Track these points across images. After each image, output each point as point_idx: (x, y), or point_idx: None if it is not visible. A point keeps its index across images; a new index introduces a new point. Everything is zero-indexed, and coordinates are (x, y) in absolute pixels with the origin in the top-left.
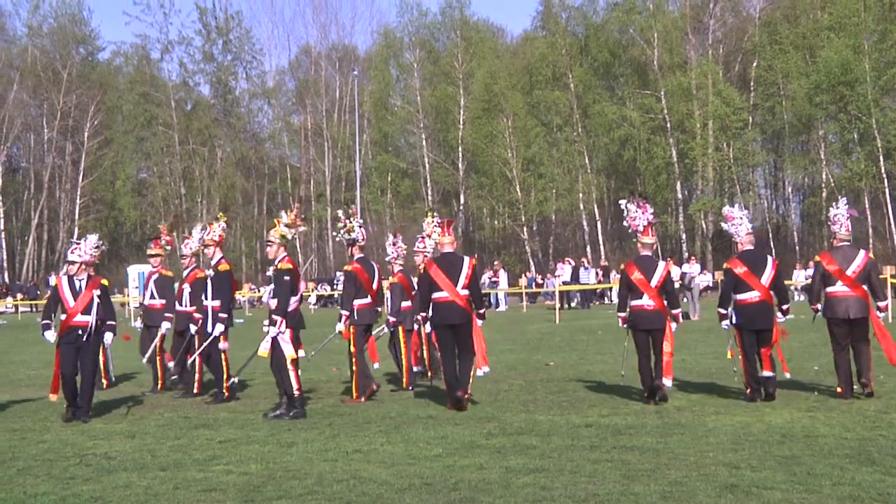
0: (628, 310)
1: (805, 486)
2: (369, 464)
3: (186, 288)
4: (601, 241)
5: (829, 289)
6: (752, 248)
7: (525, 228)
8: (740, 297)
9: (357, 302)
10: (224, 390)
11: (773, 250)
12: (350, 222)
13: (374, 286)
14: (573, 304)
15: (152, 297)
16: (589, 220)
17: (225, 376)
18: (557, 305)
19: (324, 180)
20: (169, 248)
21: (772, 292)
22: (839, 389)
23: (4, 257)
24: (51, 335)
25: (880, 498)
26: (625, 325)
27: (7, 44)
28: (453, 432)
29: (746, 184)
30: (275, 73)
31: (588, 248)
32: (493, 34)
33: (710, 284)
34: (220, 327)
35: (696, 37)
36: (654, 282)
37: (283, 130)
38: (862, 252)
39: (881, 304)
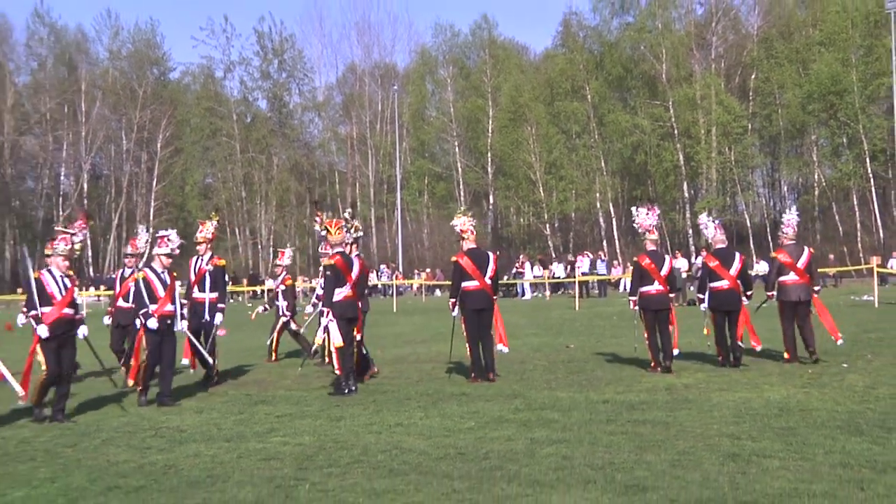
0: (639, 294)
1: (800, 455)
2: (409, 436)
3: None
4: (616, 236)
5: (783, 278)
6: (723, 246)
7: (547, 225)
8: (713, 284)
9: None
10: (215, 374)
11: (771, 244)
12: (355, 222)
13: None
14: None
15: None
16: (605, 217)
17: (214, 361)
18: (577, 294)
19: (367, 183)
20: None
21: (739, 281)
22: (787, 355)
23: (90, 254)
24: (153, 322)
25: (868, 464)
26: (636, 308)
27: (91, 66)
28: (484, 408)
29: (746, 183)
30: (324, 88)
31: (604, 243)
32: (517, 52)
33: None
34: (219, 316)
35: (700, 52)
36: (664, 271)
37: (331, 139)
38: (806, 249)
39: (817, 288)
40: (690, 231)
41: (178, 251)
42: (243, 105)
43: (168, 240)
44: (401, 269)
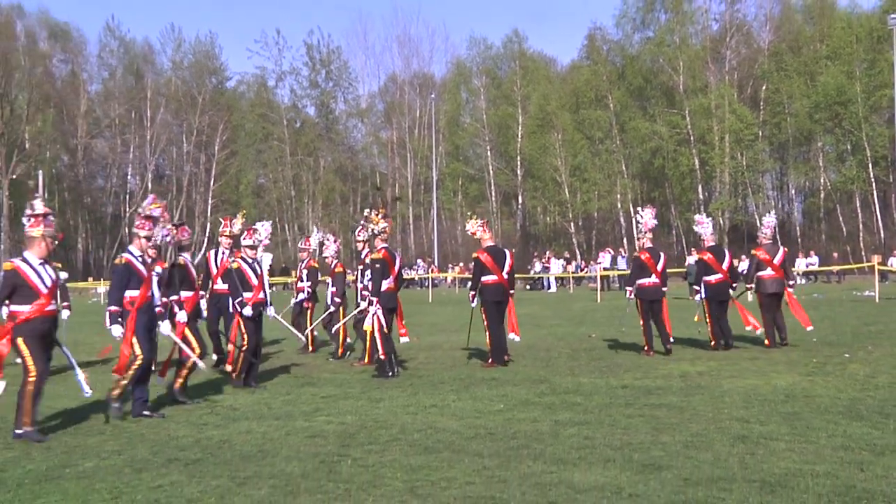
0: (637, 286)
1: (804, 438)
2: (443, 416)
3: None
4: (635, 235)
5: (761, 273)
6: (714, 244)
7: (572, 224)
8: (708, 277)
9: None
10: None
11: (779, 241)
12: (377, 217)
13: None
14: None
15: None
16: (625, 217)
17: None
18: (599, 287)
19: (406, 184)
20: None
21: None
22: (766, 342)
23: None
24: (248, 310)
25: (867, 447)
26: (632, 297)
27: (156, 75)
28: (512, 391)
29: (757, 186)
30: (367, 96)
31: (624, 240)
32: (546, 63)
33: None
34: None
35: (715, 65)
36: (660, 266)
37: (373, 144)
38: (781, 248)
39: (791, 282)
40: None
41: (267, 241)
42: (293, 111)
43: (254, 231)
44: (436, 263)
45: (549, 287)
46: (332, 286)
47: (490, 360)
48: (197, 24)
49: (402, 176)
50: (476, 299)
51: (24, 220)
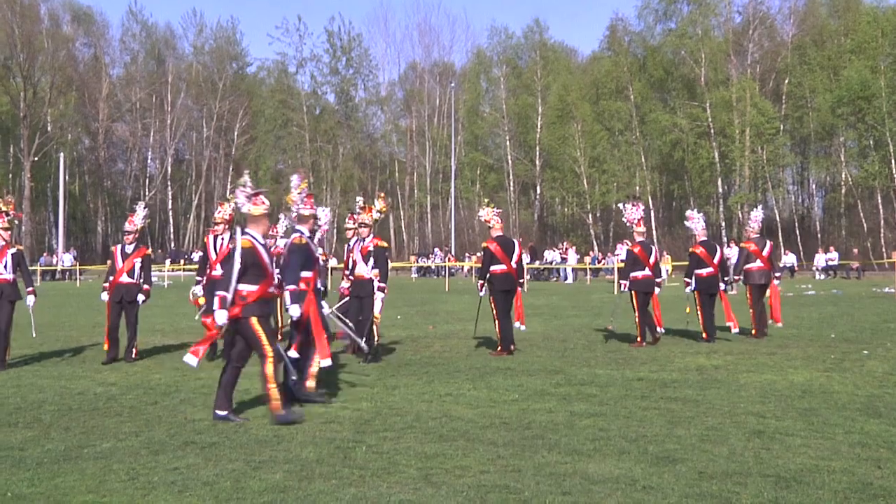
0: (630, 278)
1: (821, 434)
2: (458, 405)
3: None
4: (654, 227)
5: (750, 265)
6: (705, 238)
7: (590, 215)
8: (699, 271)
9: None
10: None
11: (798, 237)
12: (374, 205)
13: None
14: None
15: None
16: (644, 209)
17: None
18: (616, 279)
19: (425, 173)
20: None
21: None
22: (754, 332)
23: (172, 231)
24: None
25: (885, 445)
26: (625, 289)
27: (177, 60)
28: (527, 381)
29: (777, 181)
30: (387, 84)
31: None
32: (566, 54)
33: None
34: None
35: (737, 58)
36: (652, 259)
37: (392, 132)
38: (768, 242)
39: (777, 274)
40: (724, 223)
41: (326, 227)
42: (313, 98)
43: (315, 218)
44: (453, 251)
45: (566, 278)
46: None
47: (499, 349)
48: (218, 10)
49: (421, 164)
50: (484, 289)
51: (243, 198)
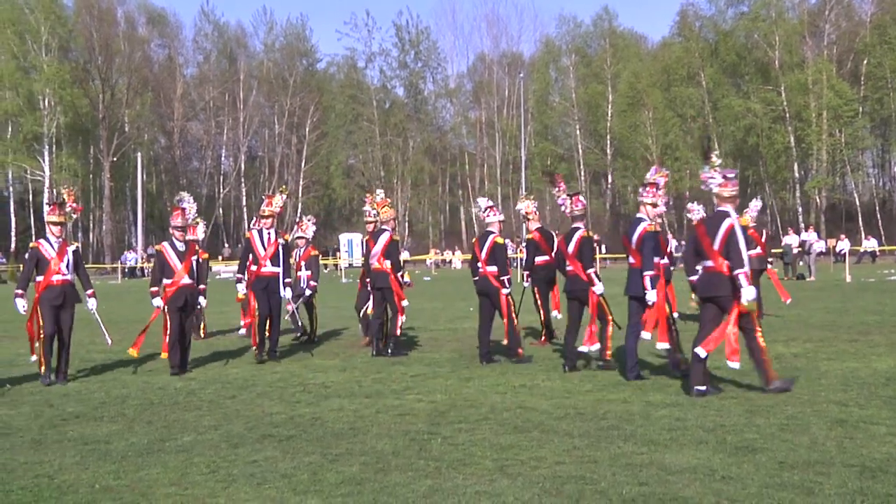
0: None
1: None
2: (532, 396)
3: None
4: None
5: (750, 251)
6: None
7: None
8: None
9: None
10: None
11: (880, 221)
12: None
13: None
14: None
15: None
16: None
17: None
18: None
19: (494, 164)
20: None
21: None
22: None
23: (246, 227)
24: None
25: None
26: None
27: (249, 58)
28: (602, 372)
29: (856, 164)
30: (455, 76)
31: None
32: (636, 41)
33: (824, 250)
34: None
35: (813, 39)
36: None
37: (462, 124)
38: (764, 231)
39: (771, 260)
40: (800, 209)
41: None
42: (382, 92)
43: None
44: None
45: None
46: (307, 269)
47: (542, 339)
48: (288, 7)
49: (491, 156)
50: (530, 279)
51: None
